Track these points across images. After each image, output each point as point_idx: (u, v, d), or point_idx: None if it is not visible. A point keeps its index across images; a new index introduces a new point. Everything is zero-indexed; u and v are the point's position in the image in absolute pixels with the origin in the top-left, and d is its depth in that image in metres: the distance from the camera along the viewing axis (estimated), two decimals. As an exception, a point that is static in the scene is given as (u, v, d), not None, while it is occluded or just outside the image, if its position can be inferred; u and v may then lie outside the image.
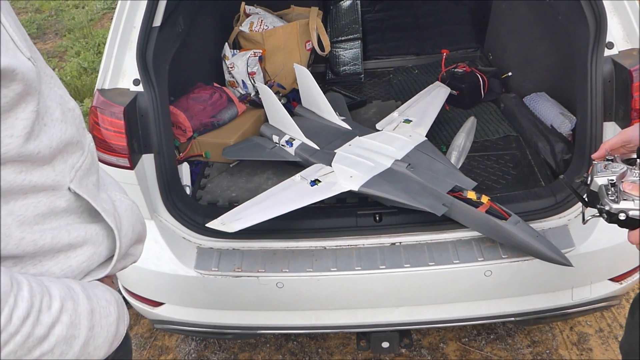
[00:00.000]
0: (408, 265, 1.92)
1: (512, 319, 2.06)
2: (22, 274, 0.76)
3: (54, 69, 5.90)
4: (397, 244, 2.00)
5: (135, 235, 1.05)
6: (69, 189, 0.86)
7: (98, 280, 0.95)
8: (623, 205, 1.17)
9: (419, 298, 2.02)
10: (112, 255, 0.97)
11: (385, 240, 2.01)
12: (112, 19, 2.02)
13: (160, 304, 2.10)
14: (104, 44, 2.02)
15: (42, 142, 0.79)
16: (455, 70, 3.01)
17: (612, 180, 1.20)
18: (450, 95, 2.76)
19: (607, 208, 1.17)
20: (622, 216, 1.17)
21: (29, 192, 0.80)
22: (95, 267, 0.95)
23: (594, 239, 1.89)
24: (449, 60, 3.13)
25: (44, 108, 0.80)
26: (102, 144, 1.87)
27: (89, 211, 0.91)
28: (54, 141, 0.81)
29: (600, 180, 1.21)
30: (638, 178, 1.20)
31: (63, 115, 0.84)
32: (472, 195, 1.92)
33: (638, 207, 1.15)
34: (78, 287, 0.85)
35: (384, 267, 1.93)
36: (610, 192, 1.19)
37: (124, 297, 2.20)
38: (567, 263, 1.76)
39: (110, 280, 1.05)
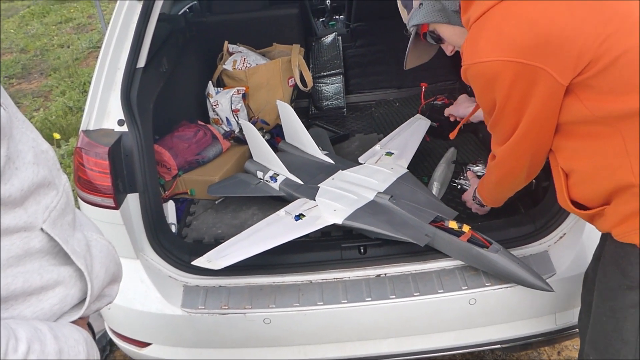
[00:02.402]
0: (394, 297, 1.94)
1: (499, 346, 2.06)
2: None
3: (39, 109, 5.93)
4: (382, 275, 2.02)
5: (109, 276, 1.05)
6: (42, 229, 0.87)
7: (72, 322, 0.96)
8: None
9: (406, 329, 2.02)
10: (85, 297, 0.97)
11: (371, 272, 2.02)
12: (97, 57, 2.05)
13: (148, 344, 2.09)
14: (90, 83, 2.05)
15: (13, 185, 0.80)
16: (435, 102, 3.06)
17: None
18: (430, 127, 2.80)
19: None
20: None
21: (1, 234, 0.80)
22: (69, 309, 0.95)
23: (573, 264, 1.92)
24: (428, 93, 3.18)
25: (15, 152, 0.81)
26: (87, 185, 1.88)
27: (64, 252, 0.91)
28: (26, 184, 0.82)
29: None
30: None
31: (35, 158, 0.85)
32: (453, 225, 1.95)
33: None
34: (45, 327, 0.85)
35: (370, 299, 1.94)
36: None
37: (110, 339, 2.19)
38: (548, 288, 1.79)
39: (84, 321, 1.05)
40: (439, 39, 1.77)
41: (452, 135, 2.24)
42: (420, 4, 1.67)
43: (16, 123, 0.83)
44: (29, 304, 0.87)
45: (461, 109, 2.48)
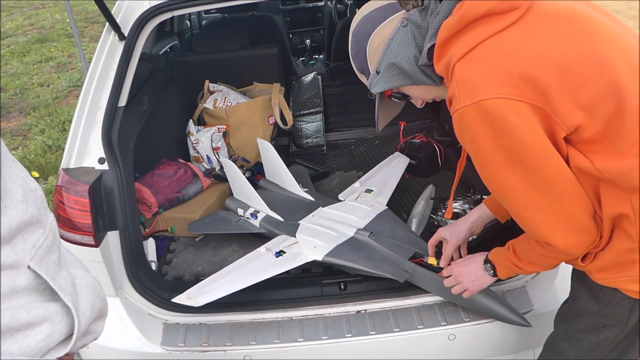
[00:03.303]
0: (374, 332, 1.95)
1: (479, 382, 2.08)
2: None
3: (17, 147, 5.89)
4: (362, 311, 2.03)
5: (95, 312, 1.05)
6: (29, 267, 0.88)
7: (58, 358, 0.96)
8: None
9: (386, 365, 2.03)
10: (72, 333, 0.97)
11: (351, 308, 2.04)
12: (77, 96, 2.07)
13: (126, 383, 2.06)
14: (69, 121, 2.06)
15: (2, 223, 0.81)
16: (413, 140, 3.11)
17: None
18: (409, 164, 2.85)
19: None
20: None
21: None
22: (55, 346, 0.95)
23: (551, 299, 1.95)
24: (407, 131, 3.24)
25: (4, 191, 0.82)
26: (66, 223, 1.88)
27: (50, 289, 0.91)
28: (14, 222, 0.83)
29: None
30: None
31: (24, 197, 0.87)
32: (432, 261, 1.97)
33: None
34: None
35: (350, 335, 1.95)
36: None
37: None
38: (526, 324, 1.81)
39: (70, 357, 1.05)
40: (405, 96, 1.66)
41: (447, 215, 2.08)
42: (378, 70, 1.56)
43: (5, 162, 0.85)
44: (15, 340, 0.87)
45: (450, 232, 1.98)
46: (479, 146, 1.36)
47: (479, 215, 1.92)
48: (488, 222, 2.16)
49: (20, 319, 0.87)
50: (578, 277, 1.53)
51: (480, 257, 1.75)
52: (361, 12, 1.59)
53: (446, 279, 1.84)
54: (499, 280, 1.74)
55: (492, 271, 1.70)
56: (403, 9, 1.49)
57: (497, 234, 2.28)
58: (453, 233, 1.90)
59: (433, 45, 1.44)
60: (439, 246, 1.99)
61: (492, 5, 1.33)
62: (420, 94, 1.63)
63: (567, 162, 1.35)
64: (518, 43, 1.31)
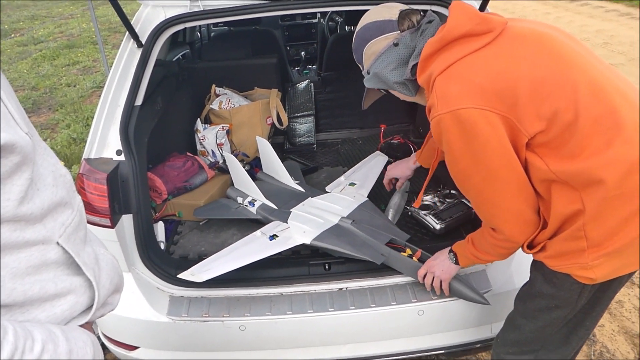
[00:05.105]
0: (353, 307, 1.95)
1: (443, 351, 2.08)
2: (8, 320, 0.76)
3: (46, 139, 5.83)
4: (344, 289, 2.03)
5: (113, 286, 1.05)
6: (58, 243, 0.87)
7: (80, 325, 0.95)
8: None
9: (363, 336, 2.03)
10: (92, 304, 0.97)
11: (334, 286, 2.03)
12: (100, 95, 2.05)
13: (136, 347, 2.05)
14: (92, 118, 2.04)
15: (35, 204, 0.80)
16: (392, 141, 3.12)
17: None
18: (387, 162, 2.84)
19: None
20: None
21: (22, 246, 0.80)
22: (77, 315, 0.95)
23: (507, 281, 1.96)
24: (386, 133, 3.24)
25: (37, 175, 0.81)
26: (87, 206, 1.87)
27: (76, 264, 0.91)
28: (46, 203, 0.83)
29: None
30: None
31: (55, 181, 0.86)
32: (408, 251, 1.97)
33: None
34: (58, 330, 0.85)
35: (332, 309, 1.95)
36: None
37: (101, 342, 2.14)
38: (485, 302, 1.82)
39: (90, 325, 1.04)
40: (388, 91, 1.71)
41: (416, 204, 2.30)
42: (368, 72, 1.61)
43: (39, 150, 0.84)
44: (43, 308, 0.86)
45: (398, 170, 2.32)
46: (451, 148, 1.38)
47: (413, 161, 2.25)
48: (454, 212, 2.21)
49: (49, 291, 0.86)
50: (535, 264, 1.55)
51: (446, 250, 1.81)
52: (365, 19, 1.61)
53: (424, 277, 1.87)
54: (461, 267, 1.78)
55: (455, 259, 1.75)
56: (399, 28, 1.52)
57: (461, 225, 2.30)
58: (402, 173, 2.30)
59: (416, 64, 1.47)
60: (413, 241, 2.07)
61: (469, 27, 1.36)
62: (400, 96, 1.67)
63: (526, 165, 1.36)
64: (491, 61, 1.33)
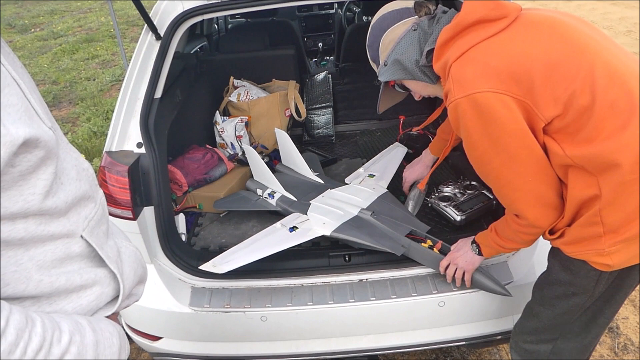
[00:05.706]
0: (374, 299, 1.95)
1: (464, 343, 2.07)
2: (36, 312, 0.77)
3: (67, 133, 5.91)
4: (364, 280, 2.03)
5: (137, 277, 1.06)
6: (82, 236, 0.88)
7: (106, 317, 0.96)
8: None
9: (383, 327, 2.03)
10: (118, 295, 0.98)
11: (354, 277, 2.03)
12: (119, 89, 2.07)
13: (159, 338, 2.08)
14: (112, 111, 2.05)
15: (59, 198, 0.81)
16: (411, 132, 3.09)
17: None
18: (407, 153, 2.83)
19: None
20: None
21: (47, 240, 0.81)
22: (103, 306, 0.96)
23: (528, 272, 1.94)
24: (405, 124, 3.21)
25: (61, 169, 0.82)
26: (109, 199, 1.88)
27: (99, 256, 0.93)
28: (70, 197, 0.84)
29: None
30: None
31: (78, 175, 0.87)
32: (429, 243, 1.96)
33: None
34: (85, 321, 0.86)
35: (353, 300, 1.95)
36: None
37: (125, 332, 2.17)
38: (507, 293, 1.80)
39: (115, 316, 1.05)
40: (405, 88, 1.72)
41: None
42: (385, 63, 1.60)
43: (62, 145, 0.85)
44: (69, 300, 0.87)
45: (416, 173, 2.38)
46: (469, 132, 1.37)
47: (429, 159, 2.31)
48: (475, 204, 2.19)
49: (75, 282, 0.87)
50: (553, 252, 1.54)
51: (468, 240, 1.79)
52: (383, 10, 1.62)
53: (447, 269, 1.87)
54: (485, 258, 1.76)
55: (477, 250, 1.74)
56: (416, 14, 1.54)
57: (482, 216, 2.27)
58: (420, 175, 2.35)
59: (432, 49, 1.47)
60: (433, 232, 2.06)
61: (484, 13, 1.35)
62: (418, 89, 1.67)
63: (545, 150, 1.35)
64: (506, 46, 1.32)
